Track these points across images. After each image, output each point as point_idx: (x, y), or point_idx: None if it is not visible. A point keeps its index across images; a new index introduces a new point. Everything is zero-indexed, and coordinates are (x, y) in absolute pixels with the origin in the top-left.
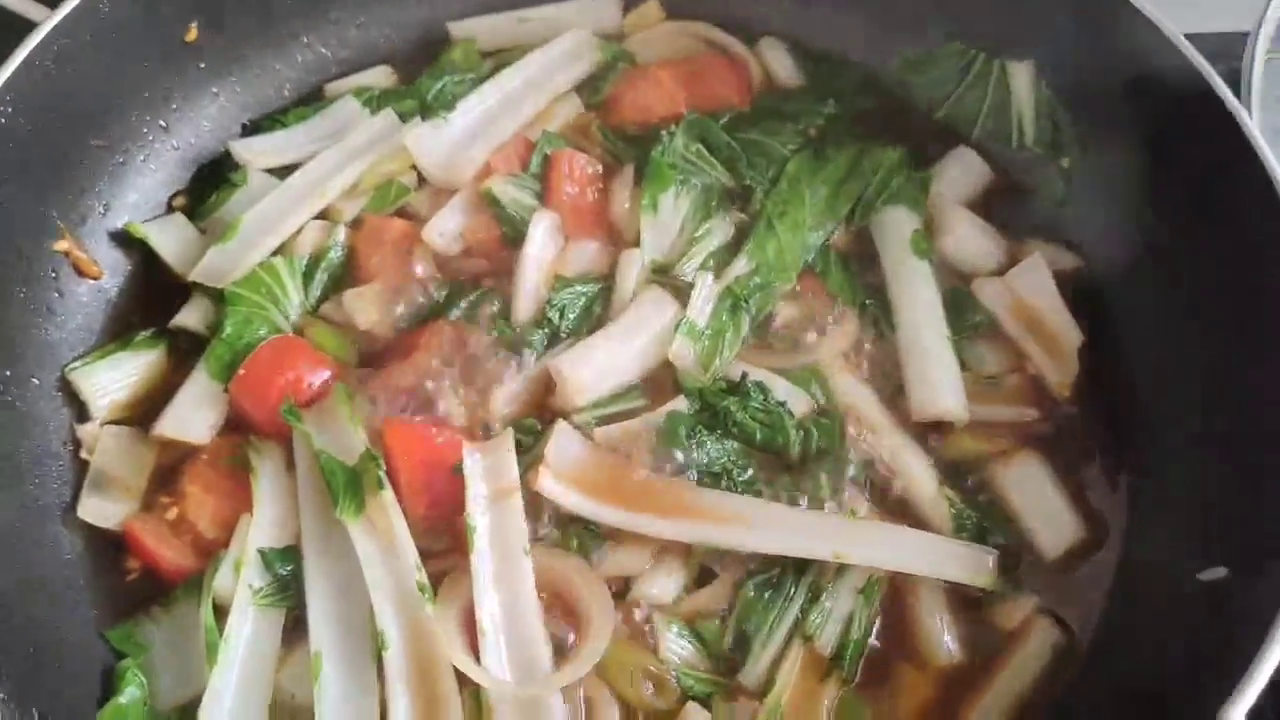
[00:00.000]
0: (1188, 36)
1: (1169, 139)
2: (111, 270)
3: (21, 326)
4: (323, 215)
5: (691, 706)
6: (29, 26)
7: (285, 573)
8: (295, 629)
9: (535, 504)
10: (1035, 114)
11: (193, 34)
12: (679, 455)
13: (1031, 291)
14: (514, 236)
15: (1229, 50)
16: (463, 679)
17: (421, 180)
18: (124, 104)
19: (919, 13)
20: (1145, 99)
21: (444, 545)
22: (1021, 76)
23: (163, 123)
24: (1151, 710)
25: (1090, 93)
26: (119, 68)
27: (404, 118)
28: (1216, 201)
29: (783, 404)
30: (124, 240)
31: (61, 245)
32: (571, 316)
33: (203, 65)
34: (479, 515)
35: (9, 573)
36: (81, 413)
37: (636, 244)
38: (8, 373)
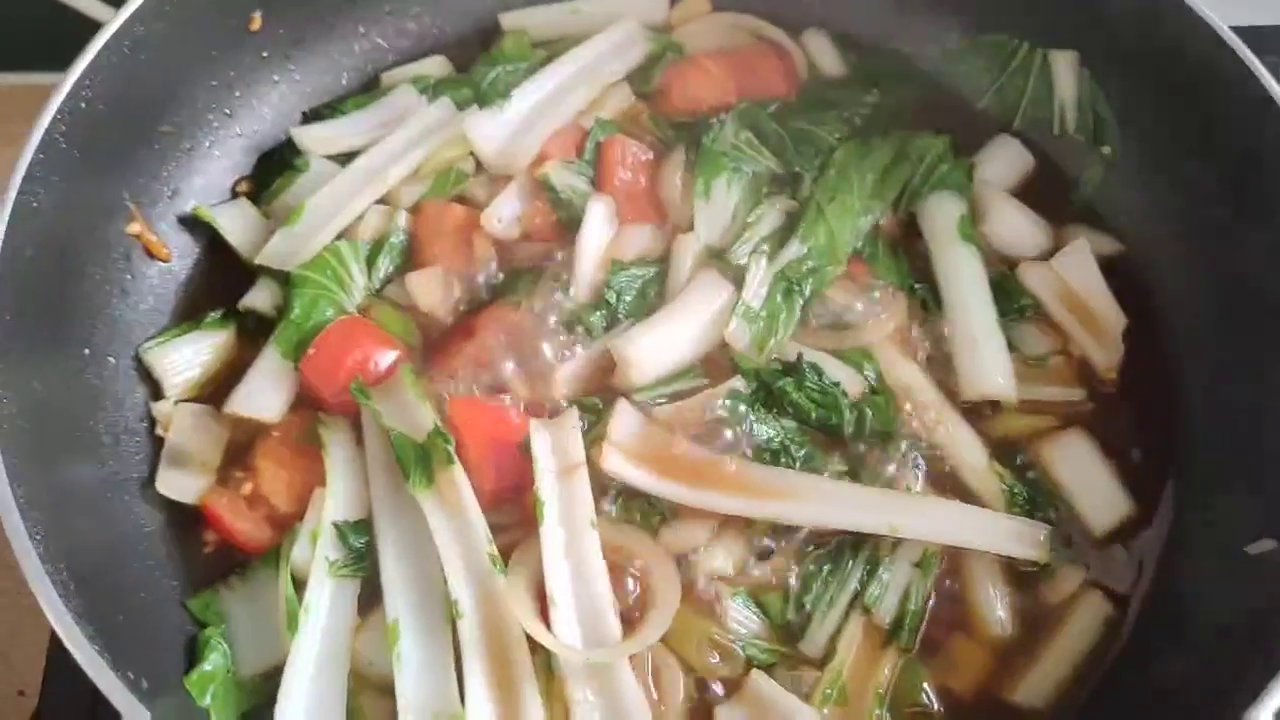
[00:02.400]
0: (1233, 29)
1: (1211, 128)
2: (180, 253)
3: (97, 307)
4: (383, 201)
5: (756, 674)
6: (95, 26)
7: (359, 545)
8: (369, 599)
9: (599, 480)
10: (1077, 103)
11: (256, 23)
12: (737, 433)
13: (1076, 276)
14: (570, 221)
15: (1274, 43)
16: (534, 646)
17: (479, 167)
18: (191, 91)
19: (961, 3)
20: (1188, 89)
21: (511, 519)
22: (1064, 66)
23: (227, 110)
24: (1199, 687)
25: (1133, 82)
26: (187, 56)
27: (460, 106)
28: (1258, 190)
29: (837, 384)
30: (191, 224)
31: (133, 228)
32: (628, 299)
33: (265, 54)
34: (548, 490)
35: (97, 543)
36: (156, 391)
37: (689, 229)
38: (86, 351)
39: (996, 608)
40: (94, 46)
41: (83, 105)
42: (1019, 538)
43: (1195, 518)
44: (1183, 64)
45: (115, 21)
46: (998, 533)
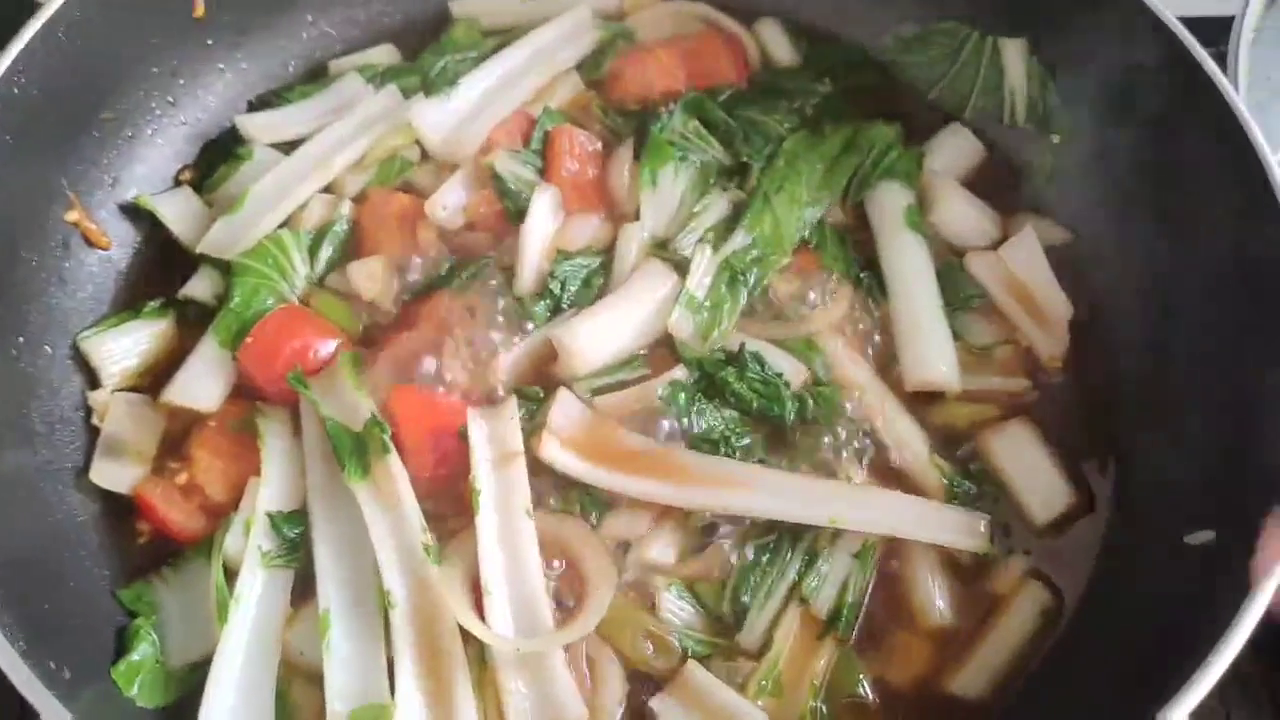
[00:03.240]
0: (1180, 20)
1: (1158, 118)
2: (120, 241)
3: (34, 294)
4: (328, 189)
5: (691, 665)
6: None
7: (293, 535)
8: (303, 589)
9: (538, 469)
10: (1027, 92)
11: (200, 10)
12: (678, 423)
13: (1023, 265)
14: (515, 211)
15: (1216, 33)
16: (467, 637)
17: (424, 155)
18: (133, 79)
19: None
20: (1135, 77)
21: (449, 509)
22: (1013, 54)
23: (170, 98)
24: (1133, 675)
25: (1081, 71)
26: (128, 42)
27: (407, 94)
28: (1204, 176)
29: (780, 374)
30: (132, 212)
31: (72, 216)
32: (572, 289)
33: (210, 42)
34: (483, 479)
35: (27, 532)
36: (93, 380)
37: (636, 218)
38: (21, 339)
39: (935, 598)
40: (27, 31)
41: (15, 91)
42: (959, 528)
43: (1136, 508)
44: (1130, 54)
45: (50, 6)
46: (937, 523)
